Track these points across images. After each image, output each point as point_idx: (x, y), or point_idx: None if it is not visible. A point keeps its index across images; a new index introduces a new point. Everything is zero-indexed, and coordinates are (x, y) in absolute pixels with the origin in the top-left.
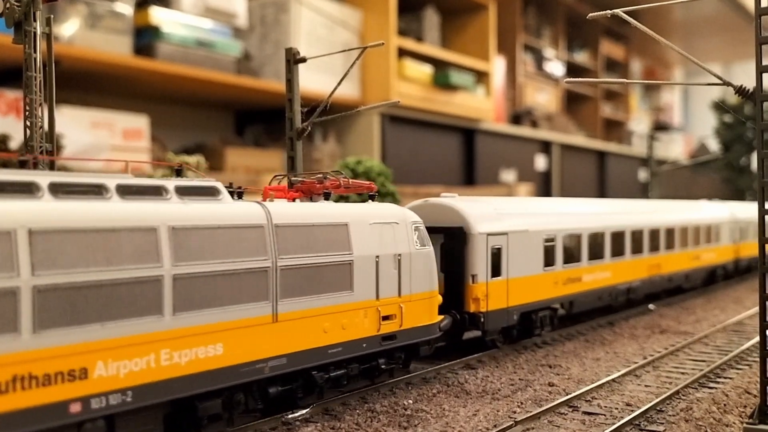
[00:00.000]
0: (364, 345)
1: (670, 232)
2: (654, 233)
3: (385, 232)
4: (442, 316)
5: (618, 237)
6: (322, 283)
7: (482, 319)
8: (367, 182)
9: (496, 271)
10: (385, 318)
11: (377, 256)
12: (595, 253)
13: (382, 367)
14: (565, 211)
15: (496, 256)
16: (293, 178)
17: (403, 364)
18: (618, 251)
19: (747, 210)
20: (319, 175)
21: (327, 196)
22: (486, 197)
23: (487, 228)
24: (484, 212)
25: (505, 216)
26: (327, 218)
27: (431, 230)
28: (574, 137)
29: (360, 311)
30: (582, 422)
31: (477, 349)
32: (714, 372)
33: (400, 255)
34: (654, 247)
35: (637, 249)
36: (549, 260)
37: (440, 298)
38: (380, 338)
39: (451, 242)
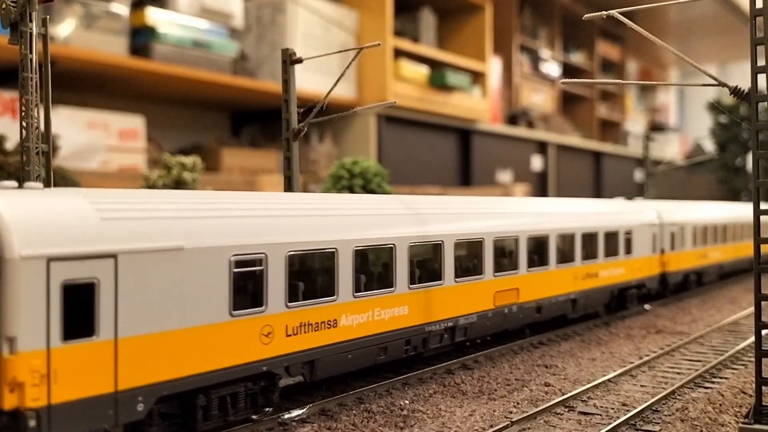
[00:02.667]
0: None
1: (538, 243)
2: (504, 245)
3: None
4: None
5: (424, 253)
6: None
7: (34, 422)
8: None
9: (80, 327)
10: None
11: None
12: (374, 280)
13: None
14: (301, 212)
15: (81, 298)
16: None
17: None
18: (428, 274)
19: (684, 211)
20: None
21: None
22: (103, 190)
23: (52, 246)
24: (50, 217)
25: (123, 221)
26: None
27: None
28: (570, 138)
29: None
30: (578, 422)
31: None
32: (710, 372)
33: None
34: (506, 265)
35: (469, 269)
36: (249, 298)
37: None
38: None
39: None
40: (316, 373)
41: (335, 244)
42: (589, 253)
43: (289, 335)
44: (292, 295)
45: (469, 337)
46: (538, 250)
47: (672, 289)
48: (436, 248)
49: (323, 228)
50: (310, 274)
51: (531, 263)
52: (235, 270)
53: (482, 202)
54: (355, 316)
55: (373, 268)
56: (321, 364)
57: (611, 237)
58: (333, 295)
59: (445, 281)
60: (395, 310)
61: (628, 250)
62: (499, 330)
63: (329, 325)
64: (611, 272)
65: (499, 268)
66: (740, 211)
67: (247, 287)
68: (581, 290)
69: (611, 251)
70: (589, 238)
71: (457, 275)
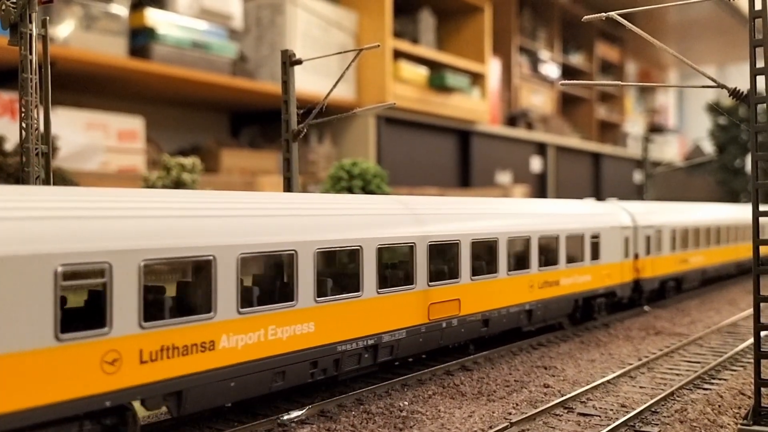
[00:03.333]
0: None
1: (486, 249)
2: (443, 250)
3: None
4: None
5: (338, 261)
6: None
7: None
8: None
9: None
10: None
11: None
12: (270, 292)
13: None
14: (165, 212)
15: None
16: None
17: None
18: (343, 285)
19: (661, 213)
20: None
21: None
22: None
23: None
24: None
25: None
26: None
27: None
28: (569, 139)
29: None
30: (577, 423)
31: None
32: (708, 373)
33: None
34: (445, 273)
35: (398, 278)
36: (85, 318)
37: None
38: None
39: None
40: (186, 405)
41: (212, 251)
42: (548, 259)
43: (145, 362)
44: (150, 314)
45: (397, 355)
46: (485, 257)
47: (647, 296)
48: (353, 255)
49: (196, 231)
50: (177, 287)
51: (477, 271)
52: (64, 283)
53: (418, 202)
54: (241, 337)
55: (268, 278)
56: (191, 394)
57: (574, 241)
58: (209, 312)
59: (364, 293)
60: (297, 327)
61: (595, 256)
62: (436, 347)
63: (203, 347)
64: (575, 280)
65: (435, 276)
66: (725, 213)
67: (82, 304)
68: (538, 300)
69: (575, 257)
70: (548, 243)
71: (380, 286)
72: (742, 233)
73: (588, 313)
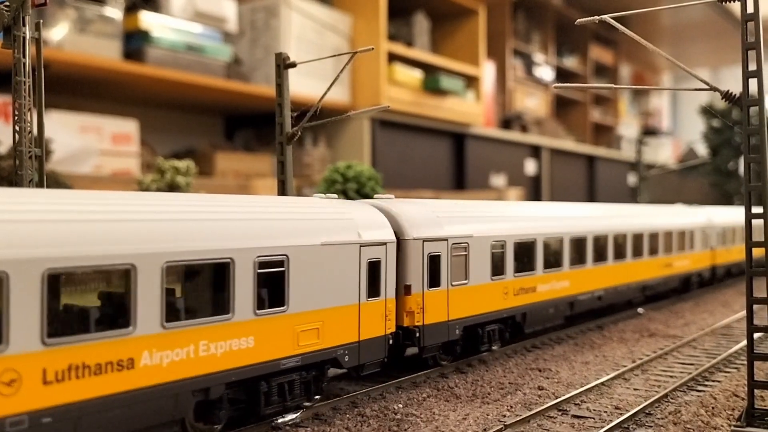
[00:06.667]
0: None
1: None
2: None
3: None
4: None
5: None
6: None
7: None
8: None
9: None
10: None
11: None
12: None
13: None
14: None
15: None
16: None
17: None
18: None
19: (475, 217)
20: None
21: None
22: None
23: None
24: None
25: None
26: None
27: None
28: (563, 142)
29: None
30: (571, 426)
31: None
32: (702, 375)
33: None
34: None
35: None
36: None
37: None
38: None
39: None
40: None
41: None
42: (106, 320)
43: None
44: None
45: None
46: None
47: (440, 351)
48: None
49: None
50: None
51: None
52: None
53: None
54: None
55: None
56: None
57: (196, 279)
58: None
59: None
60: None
61: (275, 301)
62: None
63: None
64: (193, 352)
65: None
66: (621, 218)
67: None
68: (37, 411)
69: (197, 309)
70: (99, 286)
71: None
72: (654, 244)
73: (253, 408)
